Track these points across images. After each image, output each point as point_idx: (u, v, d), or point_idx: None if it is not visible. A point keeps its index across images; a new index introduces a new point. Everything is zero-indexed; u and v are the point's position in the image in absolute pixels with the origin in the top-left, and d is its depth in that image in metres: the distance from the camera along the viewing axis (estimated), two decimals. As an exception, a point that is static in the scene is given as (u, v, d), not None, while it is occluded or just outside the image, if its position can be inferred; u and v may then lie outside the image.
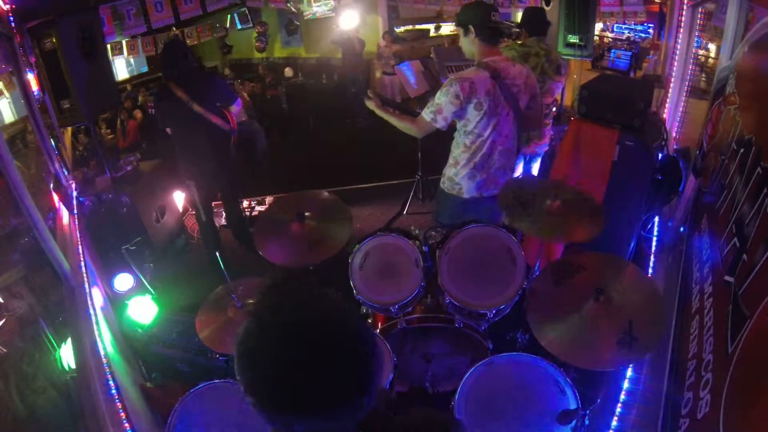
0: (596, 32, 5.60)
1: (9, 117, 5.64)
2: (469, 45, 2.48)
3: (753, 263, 1.15)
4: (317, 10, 7.63)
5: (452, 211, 2.76)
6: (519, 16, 7.12)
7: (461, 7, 2.53)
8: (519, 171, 3.69)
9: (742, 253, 1.26)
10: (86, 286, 2.57)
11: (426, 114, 2.49)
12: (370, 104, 2.67)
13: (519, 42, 3.44)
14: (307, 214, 2.40)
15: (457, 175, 2.62)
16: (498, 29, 2.43)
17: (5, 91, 5.14)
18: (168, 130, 3.55)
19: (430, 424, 1.04)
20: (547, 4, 4.15)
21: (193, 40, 7.52)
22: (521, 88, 2.48)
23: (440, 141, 2.81)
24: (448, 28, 9.03)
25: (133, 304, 2.96)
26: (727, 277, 1.33)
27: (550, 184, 2.43)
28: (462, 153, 2.57)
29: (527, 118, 2.60)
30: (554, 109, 4.02)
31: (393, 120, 2.63)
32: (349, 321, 0.81)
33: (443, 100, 2.42)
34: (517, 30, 3.51)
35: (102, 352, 2.23)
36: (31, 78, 3.29)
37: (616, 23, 7.02)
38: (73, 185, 3.58)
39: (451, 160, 2.65)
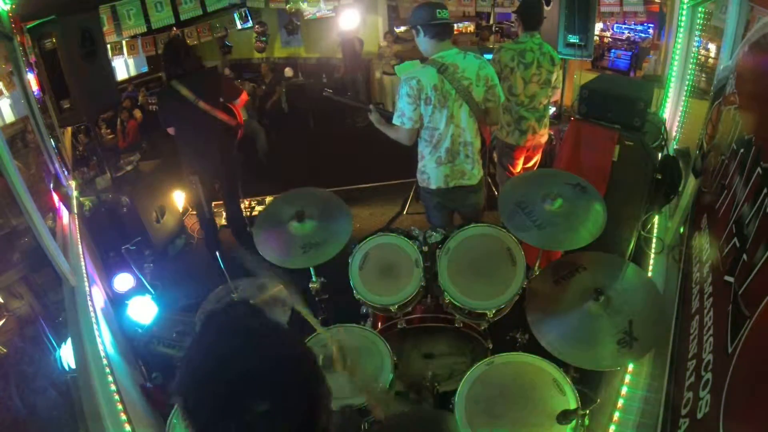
0: (596, 32, 5.59)
1: (9, 117, 5.63)
2: (422, 44, 2.60)
3: (753, 263, 1.15)
4: (317, 8, 7.64)
5: (427, 203, 2.91)
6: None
7: (413, 10, 2.64)
8: (519, 164, 3.72)
9: (742, 253, 1.26)
10: (86, 286, 2.57)
11: (395, 120, 2.62)
12: (372, 117, 2.82)
13: (515, 41, 3.49)
14: (307, 213, 2.40)
15: (425, 167, 2.75)
16: (444, 25, 2.54)
17: (5, 91, 5.13)
18: (170, 130, 3.55)
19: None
20: (547, 4, 4.15)
21: (193, 40, 7.51)
22: (473, 80, 2.55)
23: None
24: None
25: (133, 304, 2.96)
26: (727, 277, 1.33)
27: (547, 175, 2.44)
28: (425, 147, 2.70)
29: (486, 111, 2.69)
30: (554, 109, 4.03)
31: (387, 131, 2.78)
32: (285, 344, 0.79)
33: (401, 103, 2.56)
34: (516, 29, 3.57)
35: (102, 352, 2.23)
36: (31, 78, 3.29)
37: (616, 23, 7.02)
38: (73, 185, 3.58)
39: (419, 155, 2.78)
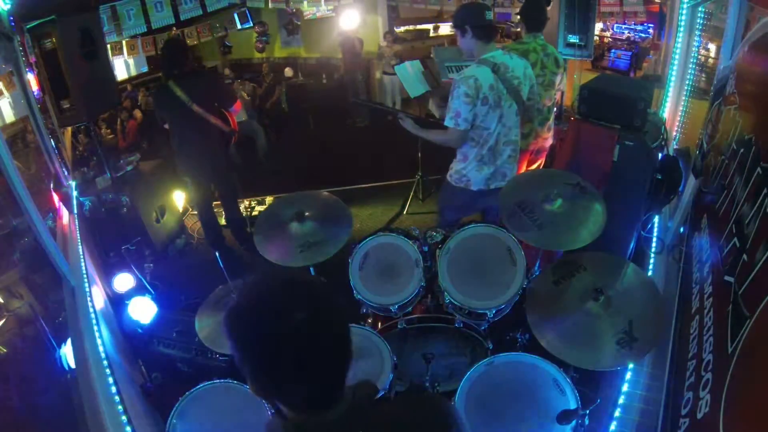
0: (596, 32, 5.59)
1: (9, 117, 5.64)
2: (467, 44, 2.56)
3: (753, 263, 1.15)
4: (317, 8, 7.65)
5: (460, 204, 2.83)
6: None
7: (457, 9, 2.62)
8: (523, 168, 3.69)
9: (742, 253, 1.26)
10: (86, 286, 2.57)
11: (448, 122, 2.55)
12: (406, 125, 2.78)
13: (518, 41, 3.48)
14: (307, 214, 2.41)
15: (465, 168, 2.69)
16: (492, 26, 2.52)
17: (5, 91, 5.14)
18: (166, 126, 3.56)
19: (423, 411, 1.04)
20: (548, 4, 4.15)
21: (193, 40, 7.52)
22: (521, 79, 2.55)
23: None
24: (447, 28, 9.02)
25: (133, 304, 2.96)
26: (727, 277, 1.33)
27: (547, 175, 2.44)
28: (471, 148, 2.63)
29: (526, 108, 2.69)
30: (555, 108, 4.01)
31: (429, 136, 2.72)
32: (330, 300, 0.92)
33: (457, 103, 2.48)
34: (517, 30, 3.56)
35: (102, 353, 2.23)
36: (31, 78, 3.29)
37: (616, 23, 7.01)
38: (73, 185, 3.58)
39: (459, 156, 2.71)
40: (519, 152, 2.75)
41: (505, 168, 2.70)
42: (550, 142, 3.64)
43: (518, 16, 3.55)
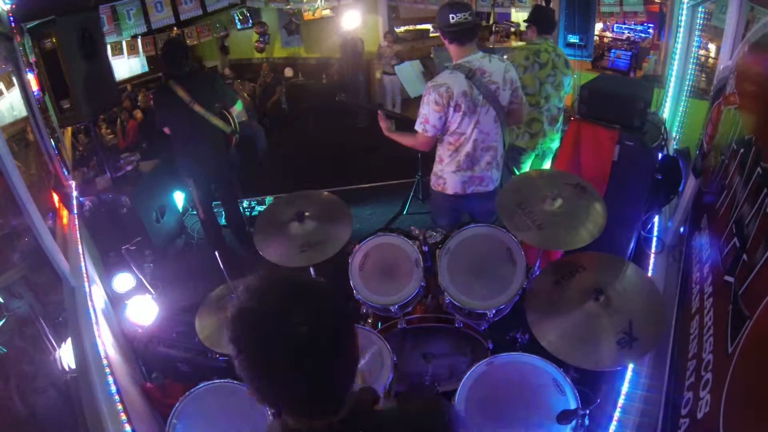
0: (596, 32, 5.59)
1: (9, 117, 5.63)
2: (448, 48, 2.51)
3: (753, 263, 1.15)
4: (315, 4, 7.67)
5: (440, 207, 2.82)
6: (518, 16, 7.17)
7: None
8: (527, 169, 3.69)
9: (742, 253, 1.26)
10: (86, 286, 2.57)
11: (417, 126, 2.55)
12: (382, 125, 2.73)
13: (530, 42, 3.46)
14: (307, 214, 2.40)
15: (442, 171, 2.67)
16: (461, 29, 2.41)
17: (5, 91, 5.13)
18: (165, 129, 3.55)
19: (424, 415, 1.04)
20: (547, 4, 4.15)
21: (193, 40, 7.52)
22: (499, 84, 2.49)
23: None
24: (448, 28, 9.02)
25: (133, 304, 2.96)
26: (727, 277, 1.33)
27: (547, 175, 2.43)
28: (446, 151, 2.61)
29: (510, 113, 2.63)
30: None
31: (400, 139, 2.69)
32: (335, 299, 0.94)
33: (426, 110, 2.48)
34: (513, 30, 3.56)
35: (102, 352, 2.23)
36: (31, 78, 3.29)
37: (616, 23, 7.01)
38: (73, 185, 3.58)
39: (437, 158, 2.69)
40: (502, 157, 2.68)
41: (483, 173, 2.64)
42: (557, 144, 3.61)
43: (525, 22, 3.52)
